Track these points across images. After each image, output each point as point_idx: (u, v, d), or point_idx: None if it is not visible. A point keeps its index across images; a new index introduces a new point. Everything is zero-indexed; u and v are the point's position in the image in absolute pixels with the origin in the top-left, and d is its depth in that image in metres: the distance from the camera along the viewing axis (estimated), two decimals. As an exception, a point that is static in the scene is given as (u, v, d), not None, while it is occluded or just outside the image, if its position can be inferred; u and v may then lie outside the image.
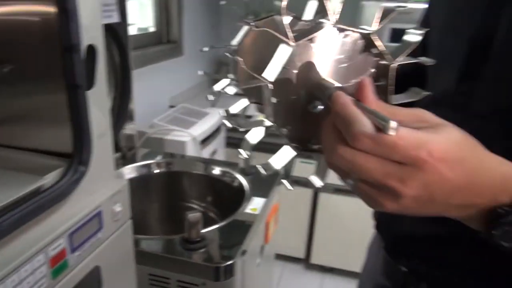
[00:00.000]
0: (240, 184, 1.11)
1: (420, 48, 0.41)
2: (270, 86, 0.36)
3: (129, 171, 1.20)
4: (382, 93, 0.39)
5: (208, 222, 1.01)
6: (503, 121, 0.45)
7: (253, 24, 0.47)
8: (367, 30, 0.38)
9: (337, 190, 1.87)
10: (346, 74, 0.39)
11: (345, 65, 0.39)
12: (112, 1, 1.01)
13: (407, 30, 0.37)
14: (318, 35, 0.37)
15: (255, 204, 1.00)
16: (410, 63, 0.37)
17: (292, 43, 0.36)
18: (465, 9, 0.50)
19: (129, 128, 1.29)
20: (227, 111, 0.43)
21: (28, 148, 0.58)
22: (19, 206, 0.45)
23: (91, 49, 0.54)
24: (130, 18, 1.53)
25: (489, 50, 0.46)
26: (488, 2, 0.47)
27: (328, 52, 0.38)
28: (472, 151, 0.33)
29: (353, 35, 0.38)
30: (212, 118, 1.63)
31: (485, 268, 0.49)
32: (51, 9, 0.48)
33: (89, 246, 0.56)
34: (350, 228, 1.93)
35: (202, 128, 1.54)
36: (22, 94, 0.57)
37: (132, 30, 1.81)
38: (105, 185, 0.61)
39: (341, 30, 0.38)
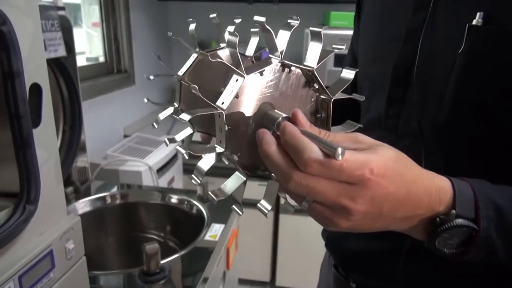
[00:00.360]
0: (199, 211, 1.10)
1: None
2: (222, 114, 0.37)
3: (83, 205, 1.16)
4: (322, 125, 0.42)
5: (168, 252, 1.00)
6: (428, 138, 0.49)
7: (202, 54, 0.50)
8: (309, 67, 0.40)
9: (297, 211, 1.90)
10: (291, 106, 0.41)
11: (290, 97, 0.42)
12: (57, 35, 1.00)
13: (343, 69, 0.41)
14: (267, 69, 0.40)
15: (214, 231, 1.00)
16: (345, 98, 0.41)
17: (244, 75, 0.38)
18: (388, 42, 0.56)
19: (81, 161, 1.26)
20: (171, 140, 0.44)
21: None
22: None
23: (36, 87, 0.54)
24: (79, 48, 1.51)
25: (410, 78, 0.51)
26: (407, 35, 0.52)
27: (275, 85, 0.41)
28: (407, 166, 0.36)
29: (297, 71, 0.41)
30: (168, 146, 1.62)
31: (424, 279, 0.52)
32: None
33: (41, 287, 0.54)
34: (313, 248, 1.95)
35: (158, 156, 1.52)
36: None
37: (81, 61, 1.79)
38: (56, 223, 0.59)
39: (286, 66, 0.41)
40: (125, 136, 1.87)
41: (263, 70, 0.39)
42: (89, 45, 1.93)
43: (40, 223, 0.55)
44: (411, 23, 0.52)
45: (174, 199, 1.18)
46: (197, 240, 0.96)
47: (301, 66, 0.41)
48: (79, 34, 1.81)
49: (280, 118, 0.38)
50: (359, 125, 0.40)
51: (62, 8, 1.04)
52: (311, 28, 0.39)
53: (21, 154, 0.51)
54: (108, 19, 1.85)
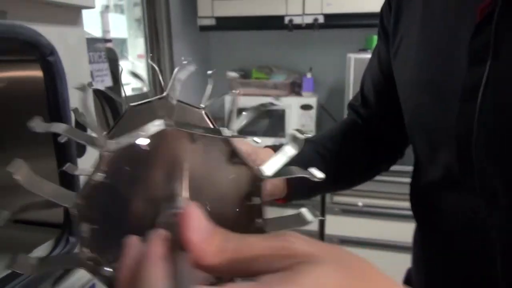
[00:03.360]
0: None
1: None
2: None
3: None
4: (257, 214, 0.31)
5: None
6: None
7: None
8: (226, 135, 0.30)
9: (342, 241, 1.82)
10: (216, 189, 0.31)
11: (213, 176, 0.32)
12: (104, 66, 1.03)
13: (283, 145, 0.34)
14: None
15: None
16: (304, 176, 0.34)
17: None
18: (443, 95, 0.47)
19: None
20: None
21: (18, 220, 0.55)
22: (10, 281, 0.42)
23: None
24: (125, 79, 1.57)
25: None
26: (464, 93, 0.43)
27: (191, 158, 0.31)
28: None
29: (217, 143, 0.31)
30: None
31: None
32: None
33: (82, 323, 0.52)
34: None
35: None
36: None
37: (127, 91, 1.85)
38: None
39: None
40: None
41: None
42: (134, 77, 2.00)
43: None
44: (468, 79, 0.43)
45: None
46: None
47: (212, 135, 0.30)
48: (125, 66, 1.88)
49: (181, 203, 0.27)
50: (316, 218, 0.30)
51: (109, 41, 1.08)
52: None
53: (66, 184, 0.51)
54: (153, 50, 1.91)
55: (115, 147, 0.27)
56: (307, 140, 0.60)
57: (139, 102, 0.40)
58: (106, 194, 0.29)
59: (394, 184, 1.59)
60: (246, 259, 0.21)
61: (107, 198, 0.29)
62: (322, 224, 1.80)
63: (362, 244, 1.77)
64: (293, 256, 0.22)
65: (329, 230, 1.80)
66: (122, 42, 1.92)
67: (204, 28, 2.00)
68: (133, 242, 0.24)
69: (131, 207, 0.29)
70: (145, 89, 1.94)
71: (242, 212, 0.31)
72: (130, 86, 1.94)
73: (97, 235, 0.28)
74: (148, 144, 0.28)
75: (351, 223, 1.77)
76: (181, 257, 0.22)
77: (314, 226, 1.78)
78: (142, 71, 1.94)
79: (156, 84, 1.94)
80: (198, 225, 0.22)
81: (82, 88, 0.35)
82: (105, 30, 1.53)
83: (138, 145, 0.28)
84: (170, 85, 0.41)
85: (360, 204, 1.73)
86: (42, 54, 0.45)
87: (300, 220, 0.30)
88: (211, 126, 0.37)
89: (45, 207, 0.28)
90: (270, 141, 2.07)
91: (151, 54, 1.90)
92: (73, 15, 0.51)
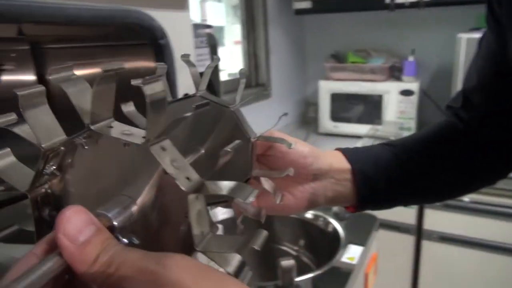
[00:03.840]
0: (335, 230, 1.04)
1: None
2: None
3: (220, 212, 1.21)
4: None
5: (302, 267, 0.96)
6: None
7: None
8: None
9: (442, 239, 1.68)
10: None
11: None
12: (205, 51, 1.07)
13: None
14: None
15: (352, 253, 0.92)
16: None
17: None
18: None
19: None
20: None
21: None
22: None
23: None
24: (221, 65, 1.62)
25: None
26: None
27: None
28: None
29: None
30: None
31: None
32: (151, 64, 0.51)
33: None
34: (459, 281, 1.70)
35: (291, 169, 1.51)
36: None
37: (223, 76, 1.91)
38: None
39: None
40: (260, 148, 1.91)
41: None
42: (230, 61, 2.05)
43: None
44: None
45: (309, 214, 1.14)
46: (333, 260, 0.90)
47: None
48: (222, 52, 1.94)
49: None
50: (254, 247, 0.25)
51: (210, 26, 1.11)
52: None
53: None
54: (249, 36, 1.94)
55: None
56: (384, 143, 0.51)
57: (173, 100, 0.41)
58: (67, 184, 0.29)
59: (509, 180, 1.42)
60: (113, 276, 0.20)
61: (65, 188, 0.29)
62: (420, 218, 1.68)
63: (464, 243, 1.62)
64: (160, 284, 0.19)
65: (427, 225, 1.68)
66: (220, 29, 1.98)
67: (299, 12, 1.97)
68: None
69: (88, 198, 0.29)
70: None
71: (184, 225, 0.27)
72: (225, 71, 2.00)
73: None
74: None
75: (453, 219, 1.63)
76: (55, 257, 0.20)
77: (411, 220, 1.68)
78: (239, 57, 1.98)
79: (251, 70, 1.97)
80: (74, 228, 0.20)
81: (187, 60, 0.37)
82: (203, 19, 1.59)
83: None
84: (202, 84, 0.41)
85: (466, 199, 1.58)
86: (155, 38, 0.47)
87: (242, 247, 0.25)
88: (242, 124, 0.36)
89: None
90: (365, 128, 1.99)
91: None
92: (180, 0, 0.53)
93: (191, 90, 0.57)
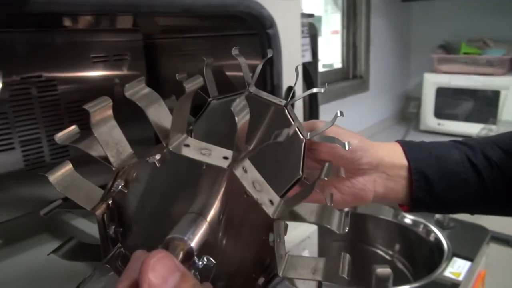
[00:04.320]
0: (437, 239, 0.95)
1: None
2: None
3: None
4: (270, 254, 0.26)
5: (396, 273, 0.89)
6: None
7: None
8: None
9: None
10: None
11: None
12: (306, 41, 1.03)
13: None
14: None
15: (457, 267, 0.83)
16: None
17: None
18: None
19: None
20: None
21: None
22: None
23: (290, 90, 0.53)
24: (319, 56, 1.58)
25: None
26: None
27: None
28: None
29: None
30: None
31: None
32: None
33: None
34: None
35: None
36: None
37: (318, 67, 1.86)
38: (294, 229, 0.58)
39: None
40: (355, 142, 1.84)
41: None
42: (325, 52, 1.99)
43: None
44: None
45: (408, 219, 1.06)
46: (435, 273, 0.82)
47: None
48: (320, 42, 1.88)
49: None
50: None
51: (311, 15, 1.08)
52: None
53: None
54: (349, 26, 1.85)
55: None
56: (457, 141, 0.44)
57: (221, 96, 0.40)
58: (130, 201, 0.29)
59: None
60: None
61: (131, 205, 0.29)
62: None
63: None
64: None
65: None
66: (317, 19, 1.92)
67: (406, -1, 1.82)
68: (138, 255, 0.22)
69: (153, 215, 0.28)
70: (335, 66, 1.92)
71: (261, 247, 0.26)
72: (321, 62, 1.95)
73: (122, 237, 0.29)
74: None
75: None
76: None
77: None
78: (337, 47, 1.91)
79: (349, 61, 1.89)
80: (159, 278, 0.19)
81: (238, 54, 0.37)
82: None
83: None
84: (252, 80, 0.39)
85: None
86: (263, 27, 0.45)
87: (327, 273, 0.24)
88: (292, 122, 0.35)
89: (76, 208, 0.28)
90: (475, 127, 1.79)
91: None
92: (291, -13, 0.50)
93: (294, 80, 0.54)
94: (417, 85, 2.03)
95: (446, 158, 0.43)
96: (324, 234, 1.25)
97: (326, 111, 1.60)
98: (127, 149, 0.28)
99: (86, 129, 0.28)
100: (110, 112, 0.27)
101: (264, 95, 0.38)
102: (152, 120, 0.27)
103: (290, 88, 0.53)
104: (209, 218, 0.25)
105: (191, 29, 0.63)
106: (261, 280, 0.27)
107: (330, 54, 1.94)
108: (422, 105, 1.94)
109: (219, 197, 0.26)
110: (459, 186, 0.43)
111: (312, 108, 1.21)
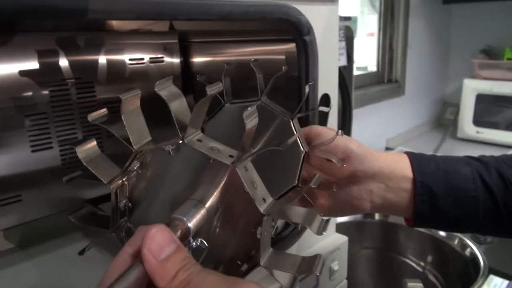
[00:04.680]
0: (472, 254, 0.91)
1: None
2: None
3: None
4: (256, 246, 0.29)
5: (427, 286, 0.86)
6: None
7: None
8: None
9: None
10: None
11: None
12: (342, 45, 1.01)
13: None
14: None
15: (493, 285, 0.79)
16: None
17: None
18: None
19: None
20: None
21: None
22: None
23: (325, 98, 0.52)
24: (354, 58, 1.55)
25: None
26: None
27: None
28: None
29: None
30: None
31: None
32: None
33: (303, 303, 0.53)
34: None
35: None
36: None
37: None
38: (324, 239, 0.57)
39: None
40: (387, 148, 1.79)
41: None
42: (361, 55, 1.95)
43: (311, 238, 0.54)
44: None
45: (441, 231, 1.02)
46: (470, 290, 0.78)
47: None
48: (355, 44, 1.85)
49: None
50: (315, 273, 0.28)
51: (349, 18, 1.06)
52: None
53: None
54: (386, 28, 1.81)
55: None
56: (471, 157, 0.44)
57: (235, 101, 0.44)
58: (142, 182, 0.33)
59: None
60: None
61: (142, 185, 0.32)
62: None
63: None
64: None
65: None
66: (353, 21, 1.89)
67: (449, 0, 1.76)
68: (142, 228, 0.25)
69: (160, 196, 0.32)
70: (369, 69, 1.87)
71: (249, 239, 0.30)
72: (355, 65, 1.91)
73: (130, 212, 0.33)
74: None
75: None
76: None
77: None
78: (372, 49, 1.87)
79: (385, 64, 1.84)
80: (157, 246, 0.22)
81: (256, 65, 0.41)
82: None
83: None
84: (265, 91, 0.42)
85: None
86: (300, 33, 0.44)
87: (302, 268, 0.28)
88: (295, 133, 0.38)
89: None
90: (517, 137, 1.71)
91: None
92: (330, -8, 0.49)
93: (331, 88, 0.53)
94: (456, 91, 1.95)
95: (455, 172, 0.42)
96: (353, 242, 1.22)
97: (359, 115, 1.57)
98: (147, 136, 0.31)
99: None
100: (138, 102, 0.31)
101: (274, 106, 0.41)
102: (173, 113, 0.30)
103: (325, 96, 0.52)
104: (207, 205, 0.28)
105: (225, 33, 0.63)
106: (244, 267, 0.31)
107: (365, 57, 1.90)
108: (460, 111, 1.87)
109: (219, 189, 0.29)
110: (468, 203, 0.41)
111: (345, 112, 1.19)
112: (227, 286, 0.22)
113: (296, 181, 0.38)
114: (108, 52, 0.53)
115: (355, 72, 1.85)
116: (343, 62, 1.05)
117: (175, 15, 0.34)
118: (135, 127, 0.31)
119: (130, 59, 0.56)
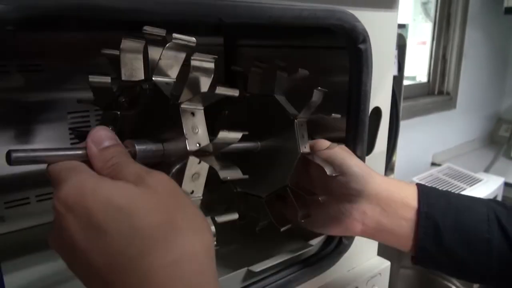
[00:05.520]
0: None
1: None
2: None
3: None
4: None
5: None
6: None
7: None
8: None
9: None
10: None
11: None
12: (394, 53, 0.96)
13: None
14: None
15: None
16: None
17: None
18: None
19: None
20: None
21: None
22: (282, 270, 0.43)
23: (376, 111, 0.48)
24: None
25: None
26: None
27: None
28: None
29: None
30: (486, 187, 1.35)
31: None
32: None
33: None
34: None
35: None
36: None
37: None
38: (365, 262, 0.53)
39: None
40: (433, 164, 1.70)
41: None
42: (411, 65, 1.87)
43: (351, 259, 0.50)
44: None
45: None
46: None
47: None
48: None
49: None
50: None
51: (403, 26, 1.00)
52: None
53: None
54: (440, 37, 1.72)
55: None
56: (496, 202, 0.40)
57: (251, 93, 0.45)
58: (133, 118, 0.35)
59: None
60: (116, 175, 0.25)
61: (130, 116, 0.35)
62: None
63: None
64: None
65: None
66: (403, 27, 1.80)
67: (510, 10, 1.65)
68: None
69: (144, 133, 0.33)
70: (418, 79, 1.79)
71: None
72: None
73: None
74: None
75: None
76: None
77: None
78: (423, 59, 1.78)
79: (436, 75, 1.75)
80: (99, 138, 0.27)
81: None
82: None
83: None
84: (281, 87, 0.42)
85: None
86: (355, 41, 0.41)
87: None
88: (297, 137, 0.39)
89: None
90: None
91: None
92: (390, -2, 0.46)
93: (384, 102, 0.49)
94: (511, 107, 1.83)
95: (467, 210, 0.38)
96: (391, 259, 1.16)
97: (406, 128, 1.49)
98: (140, 75, 0.33)
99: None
100: (141, 48, 0.33)
101: (284, 104, 0.42)
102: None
103: (376, 110, 0.48)
104: (166, 149, 0.32)
105: (273, 37, 0.60)
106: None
107: (414, 66, 1.82)
108: (517, 129, 1.74)
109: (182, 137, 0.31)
110: (478, 245, 0.37)
111: (392, 124, 1.13)
112: (145, 170, 0.25)
113: (287, 181, 0.39)
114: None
115: (404, 82, 1.78)
116: (394, 71, 1.00)
117: (223, 17, 0.31)
118: (129, 65, 0.33)
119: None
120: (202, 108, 0.31)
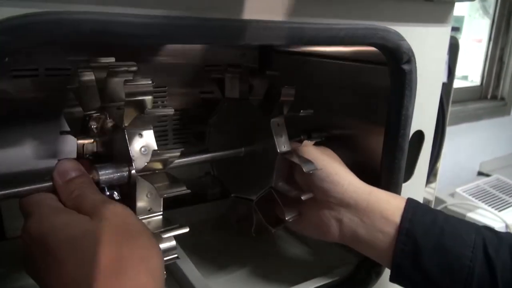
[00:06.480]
0: None
1: None
2: None
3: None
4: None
5: None
6: None
7: None
8: None
9: None
10: None
11: None
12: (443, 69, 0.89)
13: None
14: None
15: None
16: None
17: None
18: None
19: (428, 192, 1.14)
20: None
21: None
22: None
23: (418, 135, 0.44)
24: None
25: None
26: None
27: None
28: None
29: None
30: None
31: None
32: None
33: None
34: None
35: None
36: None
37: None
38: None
39: None
40: (480, 173, 1.60)
41: None
42: (461, 63, 1.74)
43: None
44: None
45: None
46: None
47: None
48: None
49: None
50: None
51: (456, 29, 0.93)
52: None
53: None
54: (498, 36, 1.59)
55: None
56: (489, 229, 0.37)
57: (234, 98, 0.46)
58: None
59: None
60: (80, 205, 0.28)
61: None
62: None
63: None
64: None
65: None
66: (457, 20, 1.67)
67: None
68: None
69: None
70: (469, 78, 1.67)
71: None
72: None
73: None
74: None
75: None
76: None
77: None
78: (478, 58, 1.66)
79: (491, 78, 1.63)
80: (64, 169, 0.30)
81: None
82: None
83: None
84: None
85: None
86: (398, 61, 0.37)
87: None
88: (275, 137, 0.41)
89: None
90: None
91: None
92: (442, 12, 0.41)
93: (427, 124, 0.45)
94: None
95: (452, 234, 0.36)
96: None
97: (453, 134, 1.40)
98: (96, 104, 0.35)
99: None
100: (93, 77, 0.35)
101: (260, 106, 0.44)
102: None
103: (419, 133, 0.44)
104: (133, 172, 0.32)
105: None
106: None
107: (467, 65, 1.70)
108: None
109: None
110: (458, 271, 0.35)
111: (437, 130, 1.06)
112: (101, 202, 0.28)
113: (272, 183, 0.42)
114: (183, 58, 0.51)
115: (454, 83, 1.67)
116: (443, 78, 0.93)
117: (254, 40, 0.29)
118: (88, 96, 0.35)
119: (206, 66, 0.54)
120: (151, 128, 0.33)
